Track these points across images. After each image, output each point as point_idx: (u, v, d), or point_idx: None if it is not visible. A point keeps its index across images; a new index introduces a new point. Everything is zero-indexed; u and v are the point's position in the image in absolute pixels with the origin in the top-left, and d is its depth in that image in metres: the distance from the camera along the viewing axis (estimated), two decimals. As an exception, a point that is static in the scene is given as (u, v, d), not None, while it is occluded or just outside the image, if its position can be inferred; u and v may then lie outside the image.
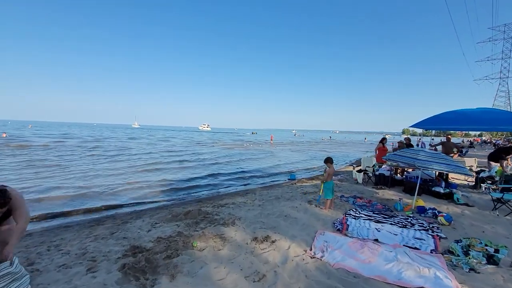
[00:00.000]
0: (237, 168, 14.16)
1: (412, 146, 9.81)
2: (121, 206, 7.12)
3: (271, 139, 45.41)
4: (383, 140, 9.59)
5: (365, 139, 68.50)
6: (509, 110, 77.73)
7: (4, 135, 31.96)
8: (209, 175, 11.81)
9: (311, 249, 3.43)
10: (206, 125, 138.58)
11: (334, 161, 5.90)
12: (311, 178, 10.91)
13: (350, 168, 14.27)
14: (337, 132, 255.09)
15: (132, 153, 19.37)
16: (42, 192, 7.91)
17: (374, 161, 8.39)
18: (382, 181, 7.80)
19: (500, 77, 78.86)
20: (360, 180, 8.30)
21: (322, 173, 12.25)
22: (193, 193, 8.77)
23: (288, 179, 11.91)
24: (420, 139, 35.72)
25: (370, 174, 8.37)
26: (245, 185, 10.18)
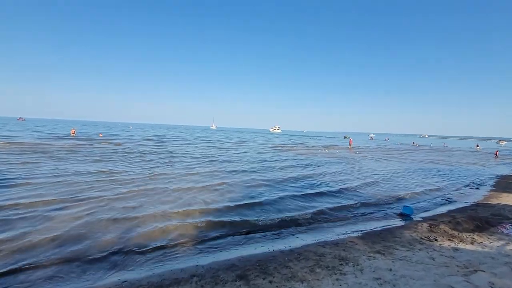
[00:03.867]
0: (314, 189, 9.99)
1: None
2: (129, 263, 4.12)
3: (350, 144, 38.82)
4: None
5: (477, 146, 52.55)
6: None
7: (101, 135, 36.34)
8: (273, 202, 8.09)
9: None
10: (277, 128, 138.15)
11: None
12: (456, 222, 5.86)
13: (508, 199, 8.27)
14: (426, 136, 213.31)
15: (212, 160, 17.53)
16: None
17: None
18: None
19: None
20: None
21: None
22: (242, 244, 5.21)
23: (400, 214, 7.15)
24: None
25: None
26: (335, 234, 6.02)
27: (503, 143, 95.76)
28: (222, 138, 44.57)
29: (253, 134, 78.38)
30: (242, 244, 4.92)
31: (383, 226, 5.94)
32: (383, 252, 4.25)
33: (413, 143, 61.97)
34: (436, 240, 4.72)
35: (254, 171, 12.36)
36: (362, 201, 8.25)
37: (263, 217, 6.36)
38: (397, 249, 4.34)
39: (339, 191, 9.41)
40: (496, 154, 32.18)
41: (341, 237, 5.35)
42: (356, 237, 5.24)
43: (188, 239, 4.95)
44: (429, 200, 8.92)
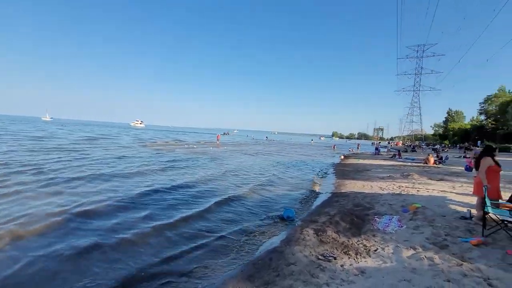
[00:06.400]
0: (174, 196, 7.69)
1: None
2: None
3: (218, 139, 38.98)
4: (493, 151, 4.74)
5: (312, 141, 68.28)
6: (419, 119, 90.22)
7: None
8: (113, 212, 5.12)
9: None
10: (139, 122, 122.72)
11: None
12: (335, 223, 5.40)
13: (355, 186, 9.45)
14: (276, 133, 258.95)
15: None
16: None
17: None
18: None
19: (413, 90, 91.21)
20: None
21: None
22: None
23: (281, 217, 6.21)
24: (379, 142, 35.19)
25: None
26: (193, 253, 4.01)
27: (323, 139, 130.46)
28: (64, 134, 32.40)
29: (110, 129, 64.43)
30: None
31: (269, 246, 4.56)
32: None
33: (266, 137, 72.53)
34: (334, 258, 3.72)
35: (122, 205, 6.25)
36: (235, 202, 6.83)
37: None
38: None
39: (208, 194, 7.63)
40: (333, 147, 42.36)
41: (216, 278, 3.47)
42: (240, 276, 3.49)
43: None
44: (298, 195, 8.84)
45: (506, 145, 34.72)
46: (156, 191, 7.79)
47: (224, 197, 7.57)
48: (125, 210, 5.98)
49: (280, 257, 3.97)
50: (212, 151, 22.86)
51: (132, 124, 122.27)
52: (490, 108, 54.11)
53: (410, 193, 7.78)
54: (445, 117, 76.98)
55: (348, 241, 4.33)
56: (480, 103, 58.07)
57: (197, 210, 6.31)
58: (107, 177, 9.34)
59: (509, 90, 51.04)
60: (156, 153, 18.06)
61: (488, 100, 55.20)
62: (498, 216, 3.98)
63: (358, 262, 3.53)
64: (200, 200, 7.24)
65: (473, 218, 4.81)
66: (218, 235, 5.00)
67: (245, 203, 7.32)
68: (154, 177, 9.91)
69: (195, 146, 27.08)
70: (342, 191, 9.09)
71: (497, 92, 53.45)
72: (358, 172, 13.94)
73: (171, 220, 5.43)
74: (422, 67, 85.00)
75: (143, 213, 5.76)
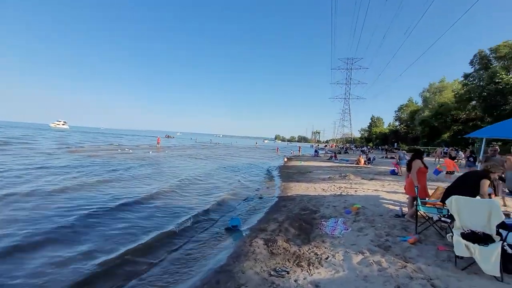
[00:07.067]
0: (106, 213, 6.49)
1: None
2: None
3: (158, 143, 36.15)
4: (421, 154, 5.25)
5: (256, 143, 69.76)
6: (349, 124, 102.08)
7: None
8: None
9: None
10: (62, 122, 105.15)
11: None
12: (285, 230, 5.23)
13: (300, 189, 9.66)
14: (220, 136, 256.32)
15: None
16: None
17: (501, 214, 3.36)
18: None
19: (344, 98, 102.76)
20: (494, 269, 3.18)
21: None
22: None
23: (228, 228, 5.78)
24: (317, 145, 37.88)
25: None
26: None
27: (266, 141, 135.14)
28: None
29: (24, 130, 53.15)
30: None
31: (216, 264, 4.07)
32: None
33: (210, 140, 71.46)
34: (287, 272, 3.46)
35: (40, 240, 4.56)
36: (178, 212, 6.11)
37: None
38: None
39: (149, 212, 6.69)
40: (277, 150, 43.74)
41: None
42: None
43: None
44: (245, 200, 8.55)
45: (415, 146, 41.62)
46: (89, 216, 5.97)
47: (181, 217, 6.71)
48: (44, 248, 4.36)
49: (229, 277, 3.52)
50: (157, 156, 20.94)
51: (52, 125, 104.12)
52: (403, 116, 64.35)
53: (349, 193, 8.27)
54: (369, 123, 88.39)
55: (299, 250, 4.16)
56: (395, 111, 68.57)
57: (141, 235, 5.35)
58: (19, 197, 6.99)
59: (415, 101, 61.58)
60: (88, 161, 15.38)
61: (401, 109, 65.61)
62: (428, 214, 4.37)
63: (312, 275, 3.35)
64: (146, 221, 6.21)
65: (405, 216, 5.25)
66: (159, 260, 4.26)
67: (204, 217, 6.60)
68: (87, 193, 7.89)
69: (130, 151, 24.40)
70: (289, 194, 9.15)
71: (407, 102, 64.01)
72: (301, 174, 14.48)
73: (107, 258, 4.24)
74: (351, 78, 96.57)
75: (68, 253, 4.41)
